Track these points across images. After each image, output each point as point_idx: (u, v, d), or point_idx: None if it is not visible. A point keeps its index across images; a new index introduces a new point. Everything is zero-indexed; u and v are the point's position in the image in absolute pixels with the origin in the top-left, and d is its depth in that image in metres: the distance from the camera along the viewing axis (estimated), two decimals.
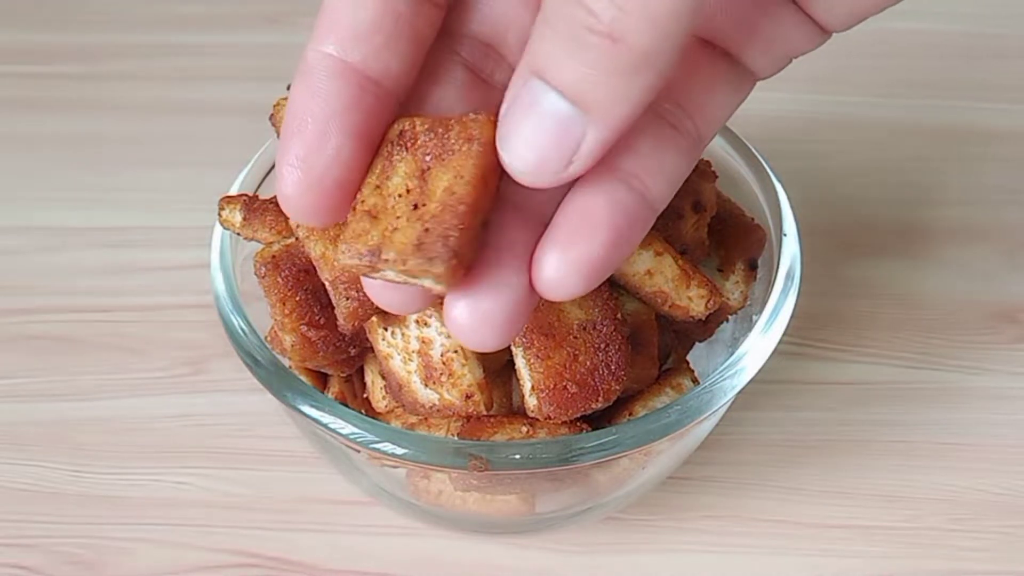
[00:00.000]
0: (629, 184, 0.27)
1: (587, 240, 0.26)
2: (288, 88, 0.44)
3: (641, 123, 0.27)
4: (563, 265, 0.26)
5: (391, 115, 0.28)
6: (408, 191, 0.27)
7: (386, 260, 0.26)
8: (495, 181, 0.27)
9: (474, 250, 0.26)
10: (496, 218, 0.27)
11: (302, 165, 0.26)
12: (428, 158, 0.27)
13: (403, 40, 0.27)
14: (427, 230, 0.25)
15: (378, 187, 0.27)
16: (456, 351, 0.35)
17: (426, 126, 0.27)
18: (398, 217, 0.26)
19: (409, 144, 0.27)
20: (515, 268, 0.26)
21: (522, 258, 0.27)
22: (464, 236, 0.25)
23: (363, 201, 0.27)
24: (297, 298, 0.37)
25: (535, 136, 0.25)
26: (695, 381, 0.41)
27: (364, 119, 0.27)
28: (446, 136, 0.27)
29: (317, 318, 0.37)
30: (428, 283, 0.26)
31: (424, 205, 0.26)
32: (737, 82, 0.31)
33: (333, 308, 0.36)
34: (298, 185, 0.26)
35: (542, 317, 0.35)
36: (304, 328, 0.37)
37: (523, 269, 0.27)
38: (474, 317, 0.26)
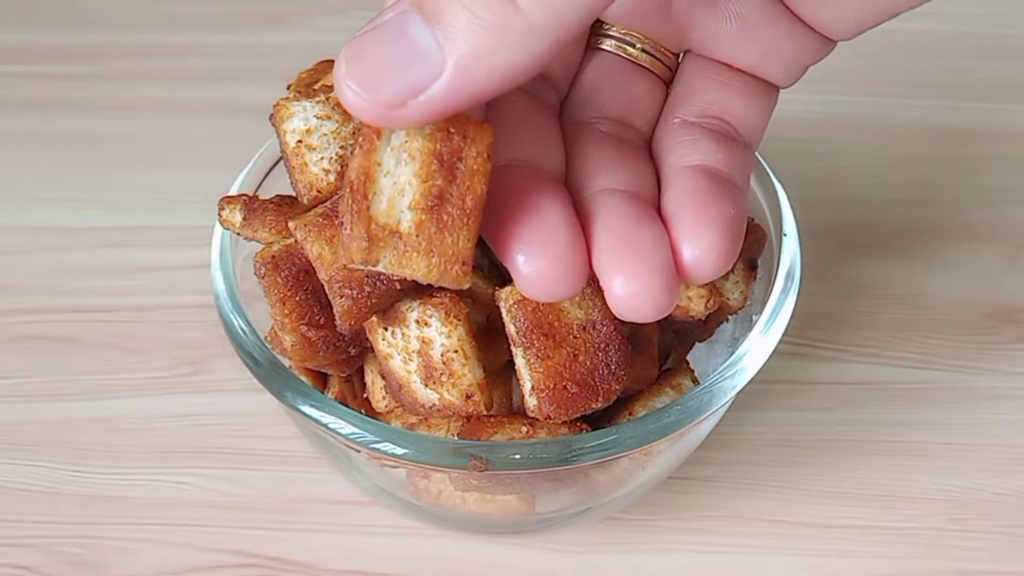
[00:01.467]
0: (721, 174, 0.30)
1: (716, 230, 0.29)
2: (288, 88, 0.44)
3: (701, 133, 0.31)
4: (700, 252, 0.28)
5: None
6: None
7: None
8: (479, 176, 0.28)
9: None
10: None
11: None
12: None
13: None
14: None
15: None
16: (456, 351, 0.35)
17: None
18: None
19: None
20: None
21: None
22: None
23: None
24: (297, 298, 0.37)
25: (385, 56, 0.25)
26: (695, 381, 0.41)
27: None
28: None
29: (317, 318, 0.37)
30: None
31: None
32: (764, 94, 0.33)
33: (333, 308, 0.36)
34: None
35: (542, 317, 0.35)
36: (304, 328, 0.37)
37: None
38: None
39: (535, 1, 0.23)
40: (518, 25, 0.23)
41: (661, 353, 0.41)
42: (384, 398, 0.40)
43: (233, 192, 0.44)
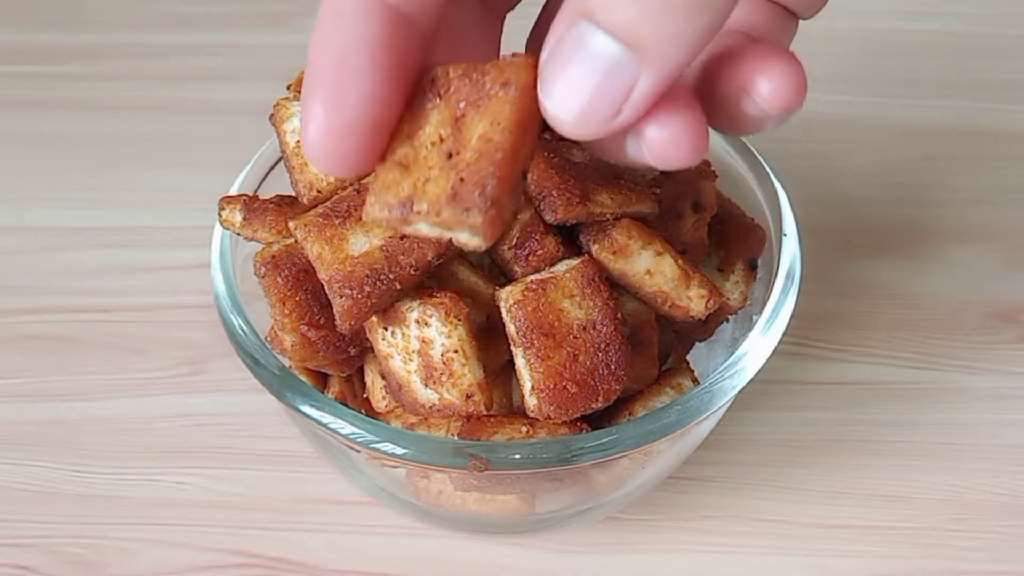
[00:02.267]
0: None
1: (790, 61, 0.27)
2: (288, 88, 0.44)
3: (729, 38, 0.29)
4: (780, 81, 0.26)
5: (421, 56, 0.26)
6: (441, 140, 0.25)
7: (419, 212, 0.25)
8: (535, 128, 0.26)
9: (514, 200, 0.25)
10: None
11: (333, 106, 0.24)
12: (462, 105, 0.25)
13: None
14: (462, 180, 0.24)
15: (409, 137, 0.26)
16: (456, 351, 0.35)
17: (459, 72, 0.25)
18: (431, 167, 0.25)
19: (442, 91, 0.26)
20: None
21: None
22: (502, 185, 0.24)
23: (393, 151, 0.25)
24: (297, 298, 0.37)
25: (582, 81, 0.24)
26: (695, 381, 0.41)
27: (397, 58, 0.25)
28: (481, 81, 0.25)
29: (317, 318, 0.37)
30: (464, 236, 0.25)
31: (459, 154, 0.25)
32: (784, 18, 0.32)
33: (333, 308, 0.36)
34: (327, 130, 0.25)
35: (542, 317, 0.35)
36: (304, 328, 0.37)
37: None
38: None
39: None
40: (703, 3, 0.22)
41: (661, 353, 0.41)
42: (384, 398, 0.40)
43: (233, 192, 0.44)
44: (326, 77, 0.25)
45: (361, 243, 0.35)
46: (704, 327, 0.43)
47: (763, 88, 0.26)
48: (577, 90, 0.24)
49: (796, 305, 0.41)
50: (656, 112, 0.25)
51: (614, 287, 0.37)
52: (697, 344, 0.45)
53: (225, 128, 0.67)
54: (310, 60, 0.25)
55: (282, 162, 0.41)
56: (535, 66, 0.25)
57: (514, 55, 0.26)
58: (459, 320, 0.35)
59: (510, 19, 0.33)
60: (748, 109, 0.27)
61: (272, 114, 0.39)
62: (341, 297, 0.35)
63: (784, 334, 0.40)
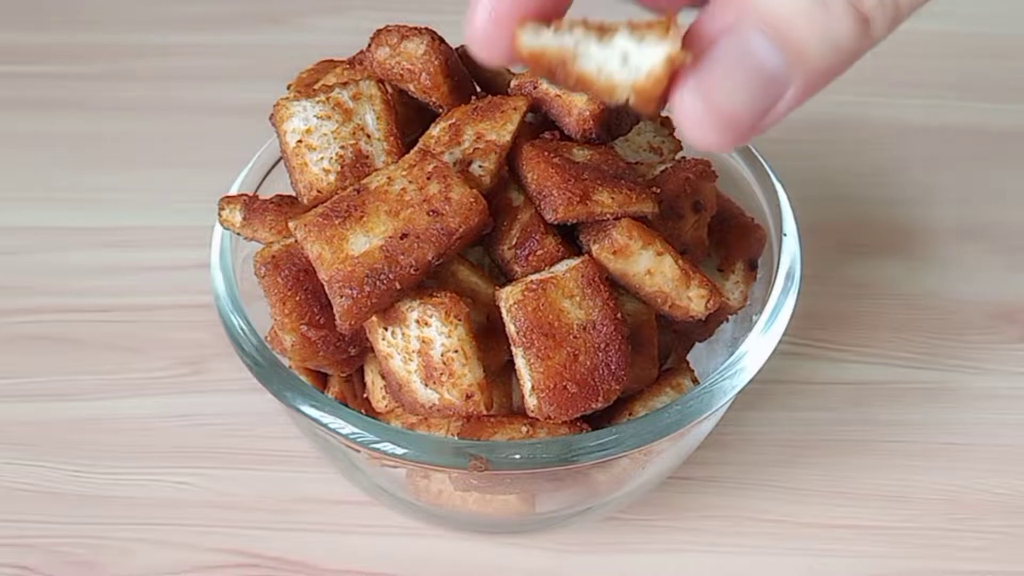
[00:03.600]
0: None
1: None
2: (288, 88, 0.44)
3: None
4: None
5: None
6: None
7: None
8: None
9: None
10: None
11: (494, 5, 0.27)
12: None
13: None
14: None
15: None
16: (456, 351, 0.35)
17: None
18: None
19: None
20: None
21: None
22: None
23: None
24: (297, 298, 0.37)
25: (739, 91, 0.25)
26: (695, 381, 0.41)
27: None
28: None
29: (317, 318, 0.37)
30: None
31: None
32: None
33: (333, 308, 0.36)
34: (494, 18, 0.27)
35: (542, 317, 0.35)
36: (304, 328, 0.37)
37: None
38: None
39: (885, 27, 0.24)
40: (866, 47, 0.25)
41: (661, 353, 0.41)
42: (384, 398, 0.40)
43: (233, 192, 0.44)
44: None
45: (361, 243, 0.35)
46: (704, 327, 0.43)
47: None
48: (730, 102, 0.25)
49: (796, 305, 0.41)
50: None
51: (614, 287, 0.37)
52: (697, 344, 0.45)
53: (225, 128, 0.67)
54: None
55: (282, 162, 0.41)
56: None
57: None
58: (459, 320, 0.35)
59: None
60: None
61: (272, 114, 0.39)
62: (341, 297, 0.35)
63: (784, 334, 0.40)
